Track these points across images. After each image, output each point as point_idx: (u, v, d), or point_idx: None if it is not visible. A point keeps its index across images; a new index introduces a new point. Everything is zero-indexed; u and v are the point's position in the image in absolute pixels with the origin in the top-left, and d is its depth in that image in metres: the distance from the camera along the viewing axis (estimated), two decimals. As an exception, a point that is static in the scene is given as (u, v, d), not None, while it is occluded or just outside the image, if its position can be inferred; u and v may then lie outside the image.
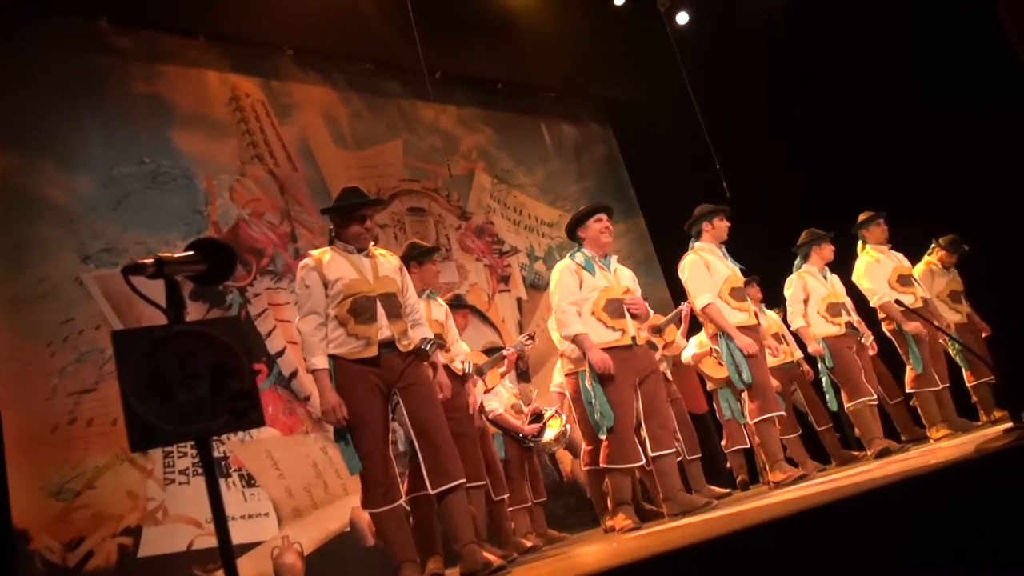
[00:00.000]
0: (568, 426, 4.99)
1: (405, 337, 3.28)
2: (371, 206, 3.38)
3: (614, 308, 3.93)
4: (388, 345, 3.21)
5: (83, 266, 5.14)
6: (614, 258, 4.16)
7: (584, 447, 4.80)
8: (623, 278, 4.08)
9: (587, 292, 3.93)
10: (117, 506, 4.74)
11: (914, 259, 5.57)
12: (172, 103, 5.97)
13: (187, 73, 6.16)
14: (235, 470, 5.26)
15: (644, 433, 3.87)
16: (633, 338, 3.94)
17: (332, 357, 3.19)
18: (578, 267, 4.00)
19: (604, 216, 4.10)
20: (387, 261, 3.39)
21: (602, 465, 3.90)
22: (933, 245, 5.74)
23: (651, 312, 4.17)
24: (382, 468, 3.14)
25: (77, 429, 4.76)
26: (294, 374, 5.72)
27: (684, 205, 4.76)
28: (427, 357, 3.37)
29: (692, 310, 4.72)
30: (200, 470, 4.95)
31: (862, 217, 5.37)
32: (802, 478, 4.21)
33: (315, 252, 3.32)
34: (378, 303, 3.22)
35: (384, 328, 3.21)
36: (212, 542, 4.85)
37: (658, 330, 5.39)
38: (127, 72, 5.84)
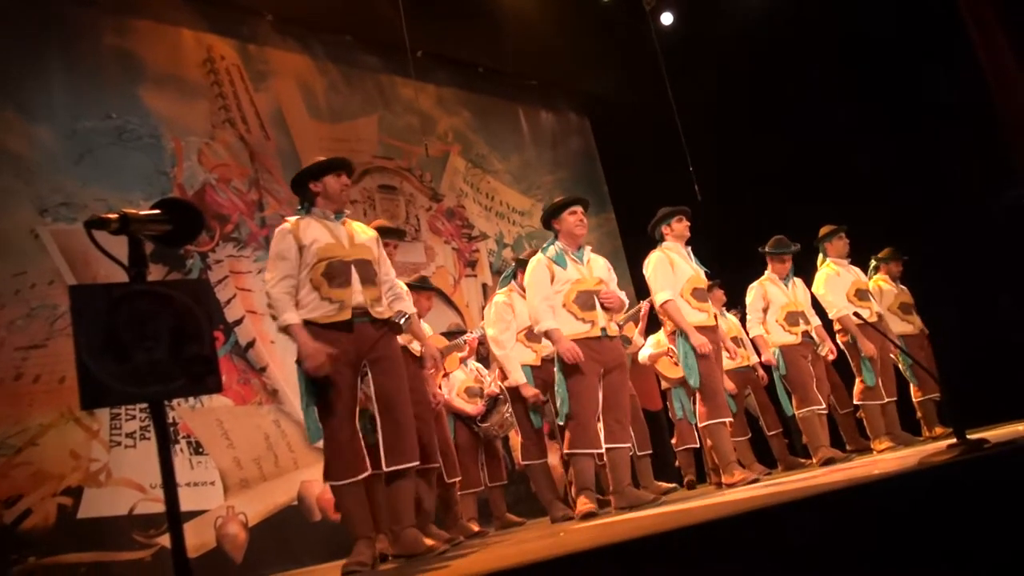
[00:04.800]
0: (511, 413, 4.96)
1: (379, 304, 3.26)
2: (343, 165, 3.35)
3: (584, 300, 3.97)
4: (361, 312, 3.18)
5: (40, 219, 5.00)
6: (588, 249, 4.19)
7: (520, 441, 4.83)
8: (596, 268, 4.12)
9: (559, 285, 3.98)
10: (59, 465, 4.64)
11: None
12: (143, 59, 5.81)
13: (161, 30, 6.00)
14: (183, 437, 5.19)
15: (600, 425, 3.91)
16: (603, 329, 3.98)
17: (304, 323, 3.14)
18: (549, 262, 4.03)
19: (579, 209, 4.13)
20: (363, 232, 3.40)
21: (565, 451, 3.96)
22: (875, 263, 5.87)
23: (626, 302, 4.19)
24: (348, 440, 3.09)
25: (23, 385, 4.65)
26: (251, 343, 5.65)
27: (655, 204, 4.80)
28: (400, 330, 3.35)
29: (652, 307, 4.77)
30: (148, 434, 4.89)
31: (824, 230, 5.46)
32: (754, 481, 4.28)
33: (292, 218, 3.29)
34: (353, 268, 3.20)
35: (358, 293, 3.18)
36: (154, 507, 4.79)
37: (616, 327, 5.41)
38: (97, 24, 5.66)
